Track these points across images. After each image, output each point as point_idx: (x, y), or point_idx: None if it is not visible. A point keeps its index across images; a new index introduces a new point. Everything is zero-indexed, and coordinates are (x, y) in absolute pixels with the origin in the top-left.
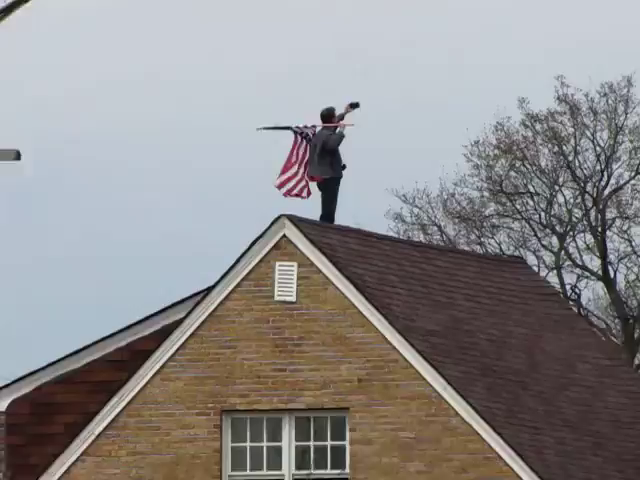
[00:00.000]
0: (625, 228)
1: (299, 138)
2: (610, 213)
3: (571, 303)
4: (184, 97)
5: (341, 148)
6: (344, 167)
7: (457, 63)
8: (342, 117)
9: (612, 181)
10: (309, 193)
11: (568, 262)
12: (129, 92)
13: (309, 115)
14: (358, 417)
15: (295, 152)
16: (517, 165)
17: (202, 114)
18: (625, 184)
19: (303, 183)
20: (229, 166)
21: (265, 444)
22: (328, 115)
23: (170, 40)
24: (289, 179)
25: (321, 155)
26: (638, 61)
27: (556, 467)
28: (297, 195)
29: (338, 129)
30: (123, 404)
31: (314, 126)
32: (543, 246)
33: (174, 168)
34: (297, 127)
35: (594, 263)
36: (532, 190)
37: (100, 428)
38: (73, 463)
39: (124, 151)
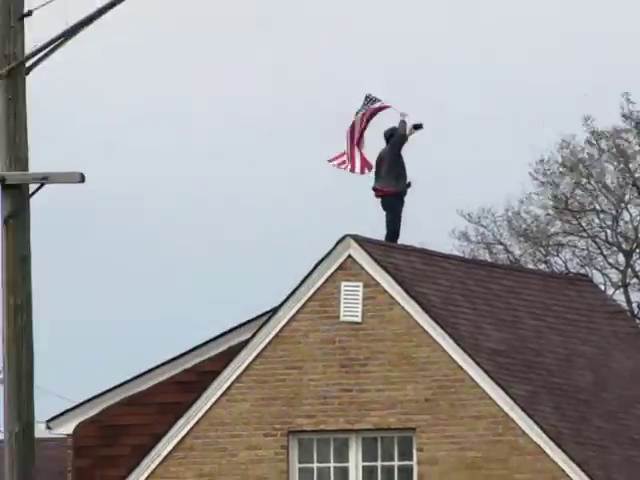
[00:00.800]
0: None
1: (360, 121)
2: None
3: (638, 321)
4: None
5: (407, 166)
6: (409, 185)
7: (520, 80)
8: (406, 138)
9: None
10: (362, 170)
11: (635, 280)
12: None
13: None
14: (425, 437)
15: (352, 135)
16: (583, 183)
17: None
18: None
19: (357, 160)
20: (294, 189)
21: (332, 464)
22: (391, 135)
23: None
24: (343, 154)
25: (388, 168)
26: None
27: None
28: (345, 165)
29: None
30: (190, 425)
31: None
32: (609, 264)
33: (241, 190)
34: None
35: None
36: (598, 208)
37: (167, 450)
38: None
39: (177, 175)
